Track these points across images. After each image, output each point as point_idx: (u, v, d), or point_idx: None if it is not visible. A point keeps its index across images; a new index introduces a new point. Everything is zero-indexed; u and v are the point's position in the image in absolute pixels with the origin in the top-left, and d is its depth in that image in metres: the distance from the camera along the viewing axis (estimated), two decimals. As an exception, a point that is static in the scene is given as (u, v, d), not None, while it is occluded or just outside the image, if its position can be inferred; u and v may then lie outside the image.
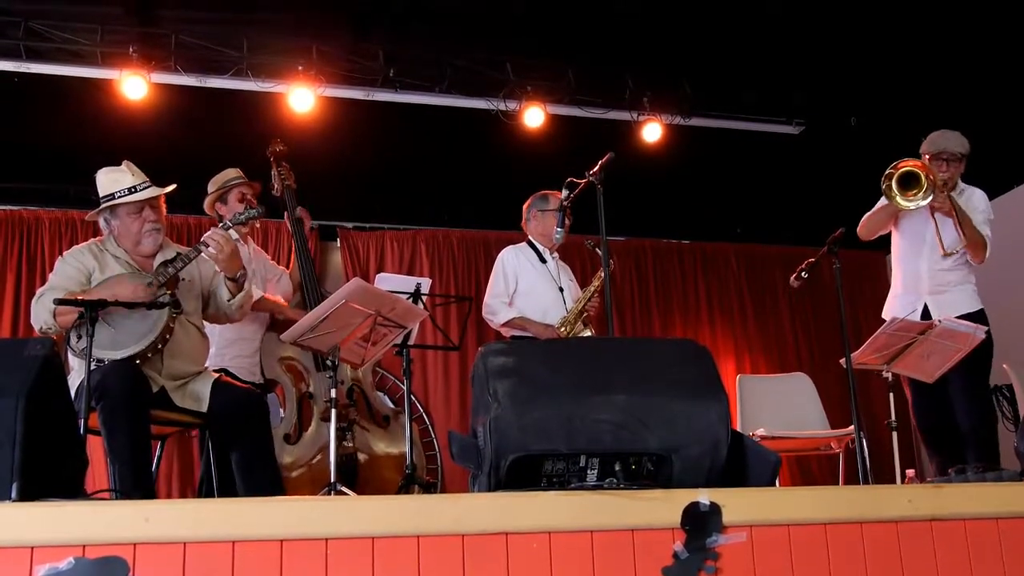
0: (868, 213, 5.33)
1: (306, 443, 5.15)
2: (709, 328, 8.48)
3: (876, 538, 2.49)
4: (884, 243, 8.30)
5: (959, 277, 5.18)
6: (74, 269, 4.11)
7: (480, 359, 2.71)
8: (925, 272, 5.20)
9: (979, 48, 6.38)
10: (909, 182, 5.00)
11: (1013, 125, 6.79)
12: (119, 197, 4.17)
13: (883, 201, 5.17)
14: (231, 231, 4.27)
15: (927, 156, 5.19)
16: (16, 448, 2.39)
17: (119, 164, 4.26)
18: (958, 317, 4.89)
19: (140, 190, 4.18)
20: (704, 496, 2.40)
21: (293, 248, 5.76)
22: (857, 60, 6.68)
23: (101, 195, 4.22)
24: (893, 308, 5.26)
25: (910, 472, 4.56)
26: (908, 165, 5.00)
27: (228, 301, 4.29)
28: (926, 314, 5.09)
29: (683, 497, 2.41)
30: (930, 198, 4.97)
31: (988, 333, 4.83)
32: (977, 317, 4.98)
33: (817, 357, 8.34)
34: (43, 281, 4.22)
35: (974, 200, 5.21)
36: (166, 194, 4.29)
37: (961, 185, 5.26)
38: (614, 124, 7.22)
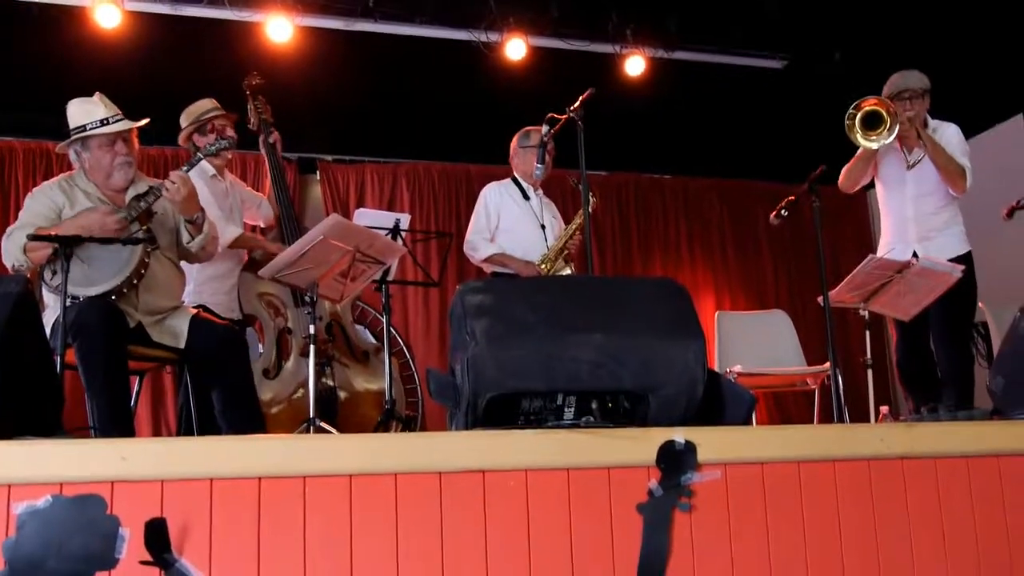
0: (846, 165, 5.32)
1: (285, 378, 5.15)
2: (689, 264, 8.49)
3: (848, 476, 2.52)
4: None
5: (945, 220, 5.17)
6: (43, 206, 4.06)
7: (458, 297, 2.70)
8: (911, 218, 5.19)
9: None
10: (873, 122, 5.00)
11: (997, 61, 6.76)
12: (91, 129, 4.10)
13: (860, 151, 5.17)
14: (202, 162, 4.22)
15: (889, 98, 5.17)
16: (-9, 387, 2.38)
17: (92, 95, 4.19)
18: (948, 260, 4.88)
19: (112, 123, 4.12)
20: (679, 435, 2.42)
21: (267, 173, 5.70)
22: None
23: (72, 127, 4.16)
24: (882, 254, 5.23)
25: (884, 409, 4.61)
26: (867, 104, 4.99)
27: (187, 243, 4.26)
28: None
29: (658, 436, 2.42)
30: (895, 132, 4.97)
31: (972, 276, 4.86)
32: (964, 259, 4.98)
33: (796, 294, 8.37)
34: (17, 213, 4.17)
35: (947, 135, 5.19)
36: (139, 127, 4.23)
37: (933, 122, 5.24)
38: (597, 57, 7.18)
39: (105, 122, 4.12)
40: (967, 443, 2.61)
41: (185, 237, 4.25)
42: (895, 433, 2.56)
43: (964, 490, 2.58)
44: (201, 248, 4.29)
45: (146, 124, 4.26)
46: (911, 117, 5.09)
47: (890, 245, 5.26)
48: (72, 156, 4.23)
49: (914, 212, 5.19)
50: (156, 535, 2.11)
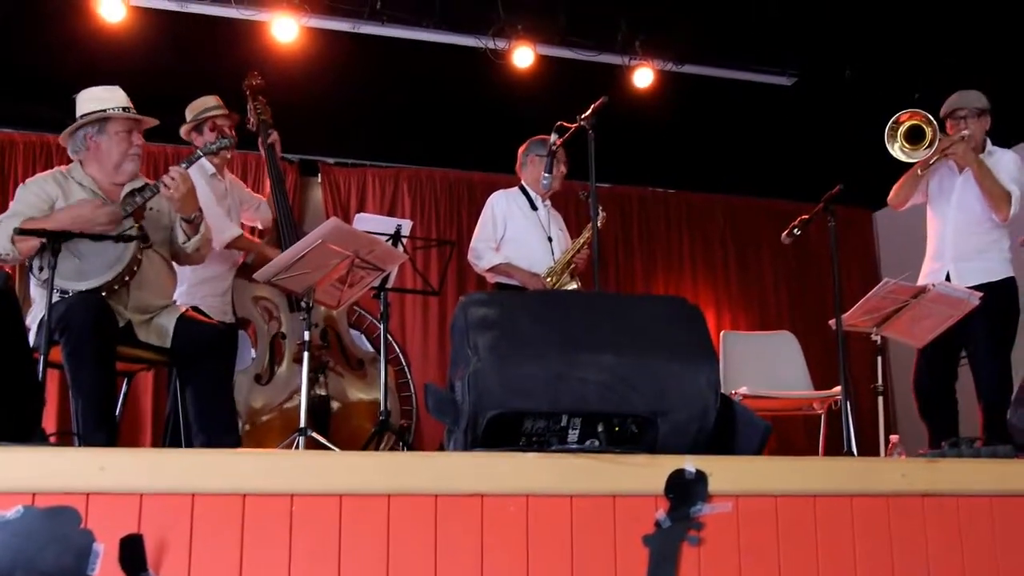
0: (897, 182, 5.25)
1: (278, 384, 5.04)
2: (691, 280, 8.39)
3: (866, 512, 2.41)
4: (869, 200, 8.23)
5: (986, 242, 5.04)
6: (36, 196, 3.96)
7: (460, 309, 2.60)
8: (950, 237, 5.09)
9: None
10: (916, 136, 4.93)
11: (1011, 79, 6.66)
12: (111, 112, 4.04)
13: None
14: (202, 161, 4.14)
15: (946, 119, 5.09)
16: (-35, 388, 2.27)
17: (96, 88, 4.11)
18: (983, 285, 4.78)
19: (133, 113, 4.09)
20: (690, 463, 2.30)
21: (265, 175, 5.60)
22: (853, 11, 6.53)
23: (90, 109, 4.07)
24: (923, 276, 5.13)
25: (894, 437, 4.49)
26: (909, 119, 4.92)
27: (183, 243, 4.16)
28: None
29: (668, 464, 2.31)
30: (934, 147, 4.89)
31: (1015, 299, 4.76)
32: (1005, 284, 4.88)
33: (798, 315, 8.27)
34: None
35: (1003, 160, 5.08)
36: (147, 126, 4.19)
37: (991, 147, 5.14)
38: (605, 68, 7.09)
39: (127, 110, 4.08)
40: (991, 482, 2.52)
41: (181, 237, 4.14)
42: (917, 469, 2.45)
43: (987, 530, 2.48)
44: (195, 249, 4.19)
45: (157, 123, 4.23)
46: (965, 136, 4.99)
47: (929, 264, 5.17)
48: (77, 143, 4.10)
49: (954, 232, 5.08)
50: (131, 552, 2.03)
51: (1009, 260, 5.06)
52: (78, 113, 4.09)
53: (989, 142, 5.15)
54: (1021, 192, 4.95)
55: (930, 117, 4.97)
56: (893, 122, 4.98)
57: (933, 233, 5.23)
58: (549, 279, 5.35)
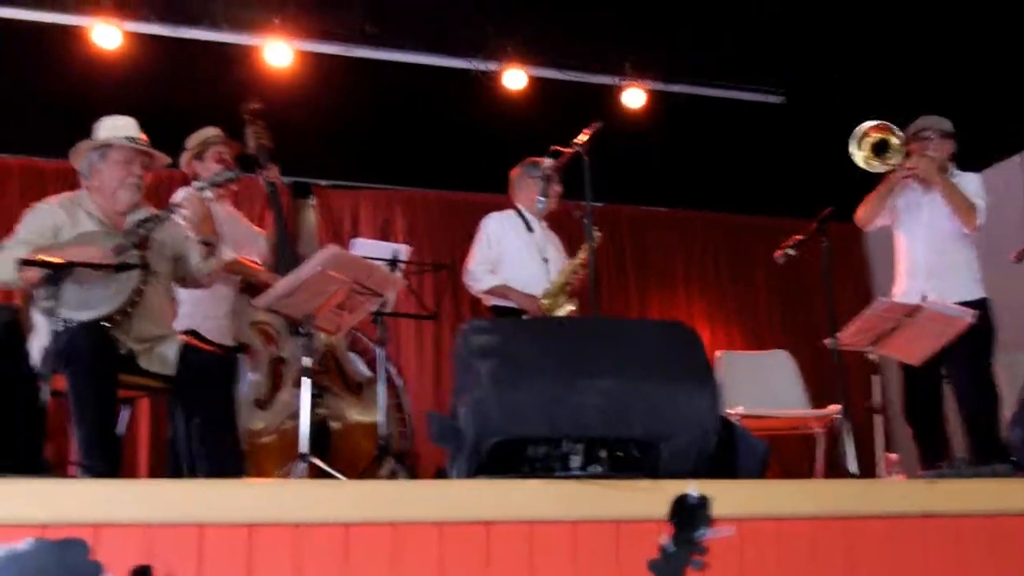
0: (863, 201, 5.29)
1: (277, 408, 5.04)
2: (685, 298, 8.38)
3: (868, 534, 2.43)
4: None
5: (957, 261, 5.07)
6: (42, 223, 3.98)
7: (462, 337, 2.62)
8: (921, 257, 5.12)
9: (964, 18, 6.29)
10: (882, 150, 4.99)
11: (997, 99, 6.72)
12: (116, 140, 4.09)
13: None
14: (204, 191, 4.17)
15: (911, 139, 5.14)
16: (-28, 422, 2.28)
17: (93, 114, 4.18)
18: (958, 304, 4.78)
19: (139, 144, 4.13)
20: (693, 488, 2.32)
21: (266, 207, 5.62)
22: (842, 30, 6.59)
23: (98, 137, 4.14)
24: (895, 296, 5.13)
25: (892, 456, 4.51)
26: (874, 133, 4.98)
27: (196, 265, 4.19)
28: None
29: (671, 488, 2.33)
30: (900, 158, 4.94)
31: (989, 320, 4.78)
32: (977, 305, 4.85)
33: (791, 333, 8.26)
34: (11, 230, 4.07)
35: (965, 181, 5.12)
36: (159, 164, 4.26)
37: (954, 170, 5.18)
38: (596, 88, 7.14)
39: (132, 140, 4.11)
40: (991, 501, 2.53)
41: (195, 259, 4.18)
42: (917, 490, 2.47)
43: (987, 550, 2.50)
44: (208, 273, 4.24)
45: (169, 163, 4.32)
46: (932, 157, 5.04)
47: (902, 283, 5.19)
48: (84, 168, 4.15)
49: (925, 250, 5.11)
50: (141, 584, 2.02)
51: (980, 281, 5.09)
52: (94, 139, 4.16)
53: (953, 165, 5.19)
54: (985, 206, 5.01)
55: (895, 128, 5.02)
56: (861, 134, 5.02)
57: (903, 252, 5.26)
58: (545, 300, 5.35)
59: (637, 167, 7.69)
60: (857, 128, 5.04)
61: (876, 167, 5.05)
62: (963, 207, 4.99)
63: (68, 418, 3.69)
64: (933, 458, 4.63)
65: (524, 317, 5.28)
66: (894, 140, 5.01)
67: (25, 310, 4.00)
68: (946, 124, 5.20)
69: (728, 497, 2.34)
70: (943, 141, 5.16)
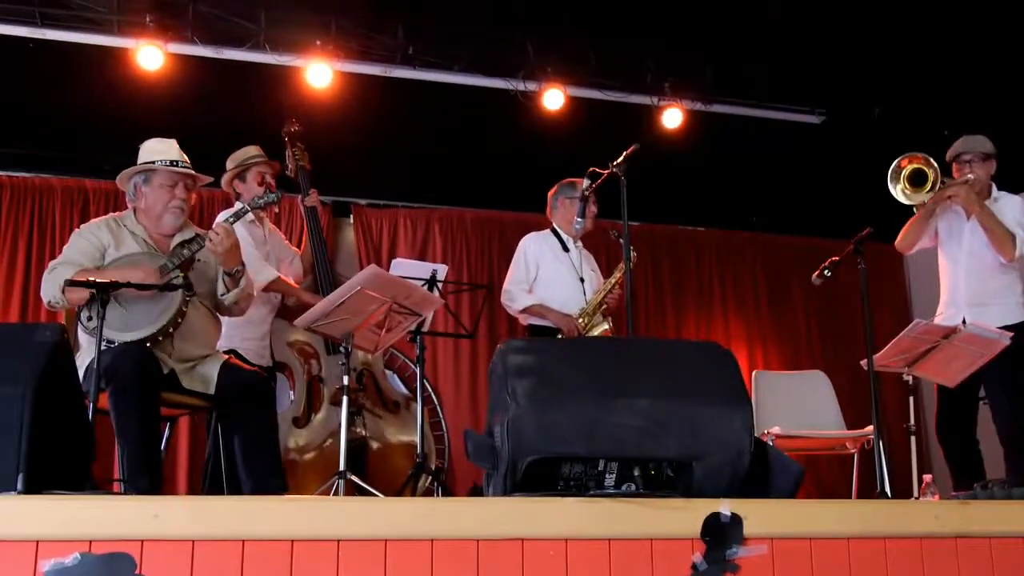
0: (905, 226, 5.27)
1: (316, 427, 5.11)
2: (722, 318, 8.37)
3: (900, 554, 2.44)
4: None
5: (998, 288, 5.04)
6: (89, 244, 4.06)
7: (499, 356, 2.65)
8: (963, 282, 5.09)
9: (1004, 38, 6.26)
10: (918, 180, 4.97)
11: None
12: (159, 164, 4.16)
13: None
14: (247, 214, 4.25)
15: (952, 163, 5.12)
16: (22, 438, 2.33)
17: (135, 136, 4.26)
18: (1000, 328, 4.72)
19: (181, 167, 4.19)
20: (726, 507, 2.34)
21: (305, 230, 5.70)
22: (881, 49, 6.57)
23: (141, 160, 4.21)
24: (938, 319, 5.12)
25: (927, 477, 4.49)
26: (910, 163, 4.96)
27: (222, 295, 4.23)
28: None
29: (704, 507, 2.36)
30: (935, 190, 4.92)
31: None
32: (1017, 328, 4.79)
33: (829, 354, 8.23)
34: (54, 249, 4.17)
35: (1009, 204, 5.09)
36: (201, 184, 4.31)
37: (996, 192, 5.15)
38: (634, 108, 7.14)
39: (175, 164, 4.17)
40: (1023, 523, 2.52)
41: (221, 289, 4.22)
42: (950, 511, 2.47)
43: (1020, 571, 2.49)
44: (234, 303, 4.26)
45: (210, 181, 4.36)
46: (969, 180, 5.01)
47: (943, 310, 5.16)
48: (129, 191, 4.25)
49: (966, 277, 5.08)
50: (186, 598, 2.07)
51: (1022, 304, 5.05)
52: (137, 163, 4.22)
53: (995, 187, 5.16)
54: None
55: (931, 160, 5.00)
56: (895, 166, 5.01)
57: (945, 277, 5.24)
58: (581, 319, 5.39)
59: (675, 187, 7.70)
60: (892, 165, 5.03)
61: (915, 199, 5.03)
62: (1002, 238, 4.96)
63: (112, 436, 3.78)
64: (967, 479, 4.60)
65: (560, 336, 5.32)
66: (929, 171, 4.99)
67: (70, 330, 4.08)
68: (987, 145, 5.16)
69: (760, 516, 2.37)
70: (984, 163, 5.13)
